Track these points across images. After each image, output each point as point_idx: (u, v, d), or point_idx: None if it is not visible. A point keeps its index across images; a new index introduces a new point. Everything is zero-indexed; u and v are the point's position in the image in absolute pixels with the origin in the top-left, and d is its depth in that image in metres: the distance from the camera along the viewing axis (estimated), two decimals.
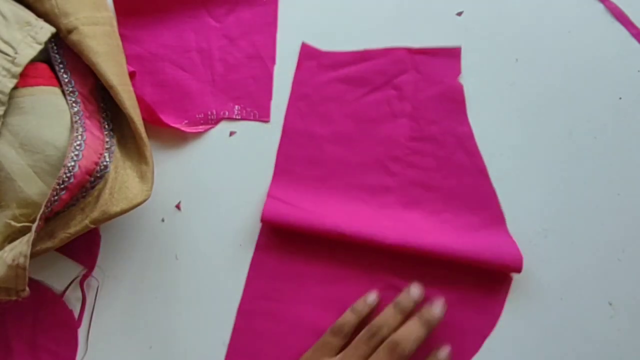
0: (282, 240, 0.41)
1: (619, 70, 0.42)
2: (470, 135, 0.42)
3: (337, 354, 0.38)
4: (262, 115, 0.43)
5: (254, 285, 0.41)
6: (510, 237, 0.40)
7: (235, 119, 0.44)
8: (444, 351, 0.38)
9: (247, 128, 0.43)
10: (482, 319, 0.39)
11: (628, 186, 0.41)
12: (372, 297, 0.40)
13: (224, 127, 0.44)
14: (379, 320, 0.38)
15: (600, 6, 0.43)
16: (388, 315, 0.38)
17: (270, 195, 0.41)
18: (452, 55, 0.43)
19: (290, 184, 0.42)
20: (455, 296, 0.39)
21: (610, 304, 0.40)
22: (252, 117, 0.44)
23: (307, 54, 0.44)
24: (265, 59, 0.44)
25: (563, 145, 0.42)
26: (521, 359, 0.40)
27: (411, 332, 0.37)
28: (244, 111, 0.44)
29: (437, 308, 0.38)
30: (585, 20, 0.43)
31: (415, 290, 0.39)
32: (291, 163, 0.42)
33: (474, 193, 0.41)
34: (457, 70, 0.42)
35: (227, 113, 0.44)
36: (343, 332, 0.38)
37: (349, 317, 0.39)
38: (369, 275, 0.40)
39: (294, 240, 0.41)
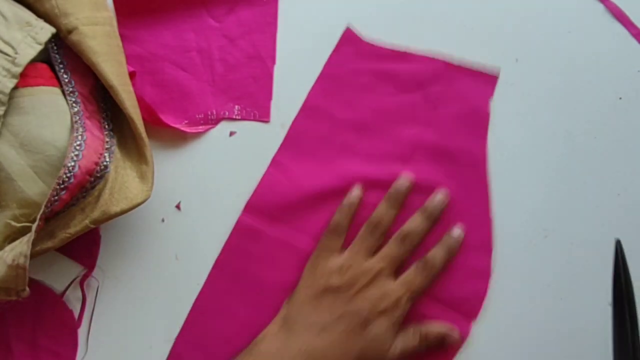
0: (251, 243, 0.41)
1: (619, 70, 0.42)
2: (483, 161, 0.42)
3: (340, 252, 0.40)
4: (262, 115, 0.43)
5: (215, 281, 0.41)
6: (488, 272, 0.40)
7: (235, 119, 0.44)
8: (457, 230, 0.40)
9: (247, 128, 0.43)
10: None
11: (628, 186, 0.41)
12: (355, 192, 0.41)
13: (224, 127, 0.44)
14: (376, 214, 0.40)
15: (600, 6, 0.43)
16: (383, 208, 0.40)
17: (274, 160, 0.42)
18: (487, 80, 0.43)
19: (296, 155, 0.42)
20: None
21: (610, 304, 0.40)
22: (252, 117, 0.44)
23: (348, 38, 0.44)
24: (265, 59, 0.44)
25: (563, 145, 0.42)
26: (520, 358, 0.40)
27: (417, 224, 0.40)
28: (244, 111, 0.44)
29: (438, 198, 0.40)
30: (585, 20, 0.43)
31: (403, 181, 0.41)
32: (303, 136, 0.43)
33: (471, 216, 0.41)
34: (489, 95, 0.42)
35: (227, 113, 0.44)
36: (339, 230, 0.40)
37: (339, 215, 0.40)
38: None
39: (264, 247, 0.41)
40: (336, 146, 0.42)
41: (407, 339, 0.38)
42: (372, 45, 0.44)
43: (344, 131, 0.43)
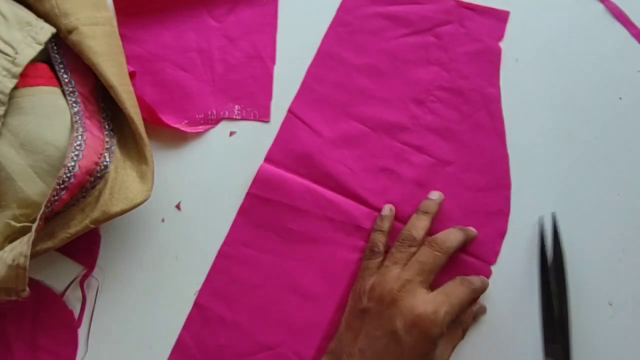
0: (274, 191, 0.42)
1: (619, 70, 0.42)
2: (497, 98, 0.42)
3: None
4: (262, 115, 0.43)
5: (239, 230, 0.42)
6: (507, 209, 0.41)
7: (235, 119, 0.44)
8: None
9: (247, 128, 0.43)
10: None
11: (628, 186, 0.41)
12: (386, 209, 0.41)
13: (224, 127, 0.44)
14: (407, 227, 0.39)
15: (600, 6, 0.43)
16: (414, 220, 0.39)
17: (290, 110, 0.43)
18: (499, 17, 0.43)
19: (312, 102, 0.43)
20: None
21: (610, 304, 0.40)
22: (252, 117, 0.44)
23: None
24: (265, 59, 0.44)
25: (563, 145, 0.42)
26: (521, 358, 0.40)
27: (450, 232, 0.39)
28: (244, 111, 0.44)
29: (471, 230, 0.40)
30: (585, 20, 0.43)
31: (435, 194, 0.40)
32: (318, 83, 0.43)
33: (487, 154, 0.42)
34: (501, 33, 0.43)
35: (227, 113, 0.44)
36: (375, 250, 0.39)
37: (375, 236, 0.40)
38: (352, 238, 0.41)
39: (287, 194, 0.42)
40: (352, 91, 0.43)
41: (453, 338, 0.38)
42: None
43: (358, 76, 0.43)
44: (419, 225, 0.39)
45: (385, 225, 0.40)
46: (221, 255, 0.41)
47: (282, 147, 0.42)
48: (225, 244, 0.42)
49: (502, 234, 0.41)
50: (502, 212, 0.41)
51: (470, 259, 0.40)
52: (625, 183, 0.41)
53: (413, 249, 0.38)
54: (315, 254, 0.41)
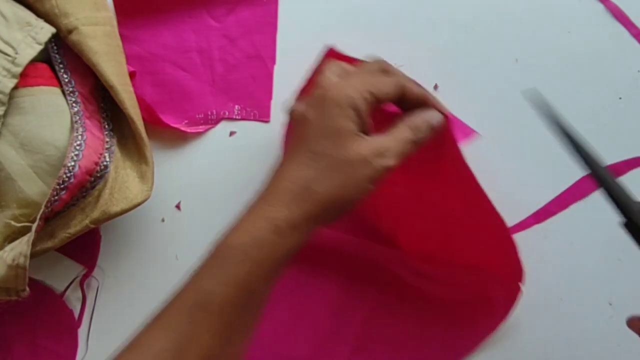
0: None
1: (619, 70, 0.42)
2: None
3: None
4: (262, 115, 0.43)
5: None
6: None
7: (235, 119, 0.44)
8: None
9: (247, 128, 0.43)
10: (484, 322, 0.39)
11: (628, 186, 0.41)
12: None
13: (224, 127, 0.44)
14: None
15: (600, 6, 0.43)
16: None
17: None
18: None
19: None
20: (460, 296, 0.39)
21: (610, 304, 0.40)
22: (252, 117, 0.44)
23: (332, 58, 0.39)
24: (265, 59, 0.44)
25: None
26: (521, 358, 0.40)
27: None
28: (244, 111, 0.44)
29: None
30: (585, 20, 0.43)
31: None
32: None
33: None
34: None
35: (227, 113, 0.44)
36: None
37: None
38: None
39: None
40: None
41: (397, 136, 0.32)
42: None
43: None
44: None
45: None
46: None
47: None
48: None
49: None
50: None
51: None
52: (625, 183, 0.41)
53: None
54: (332, 262, 0.40)
